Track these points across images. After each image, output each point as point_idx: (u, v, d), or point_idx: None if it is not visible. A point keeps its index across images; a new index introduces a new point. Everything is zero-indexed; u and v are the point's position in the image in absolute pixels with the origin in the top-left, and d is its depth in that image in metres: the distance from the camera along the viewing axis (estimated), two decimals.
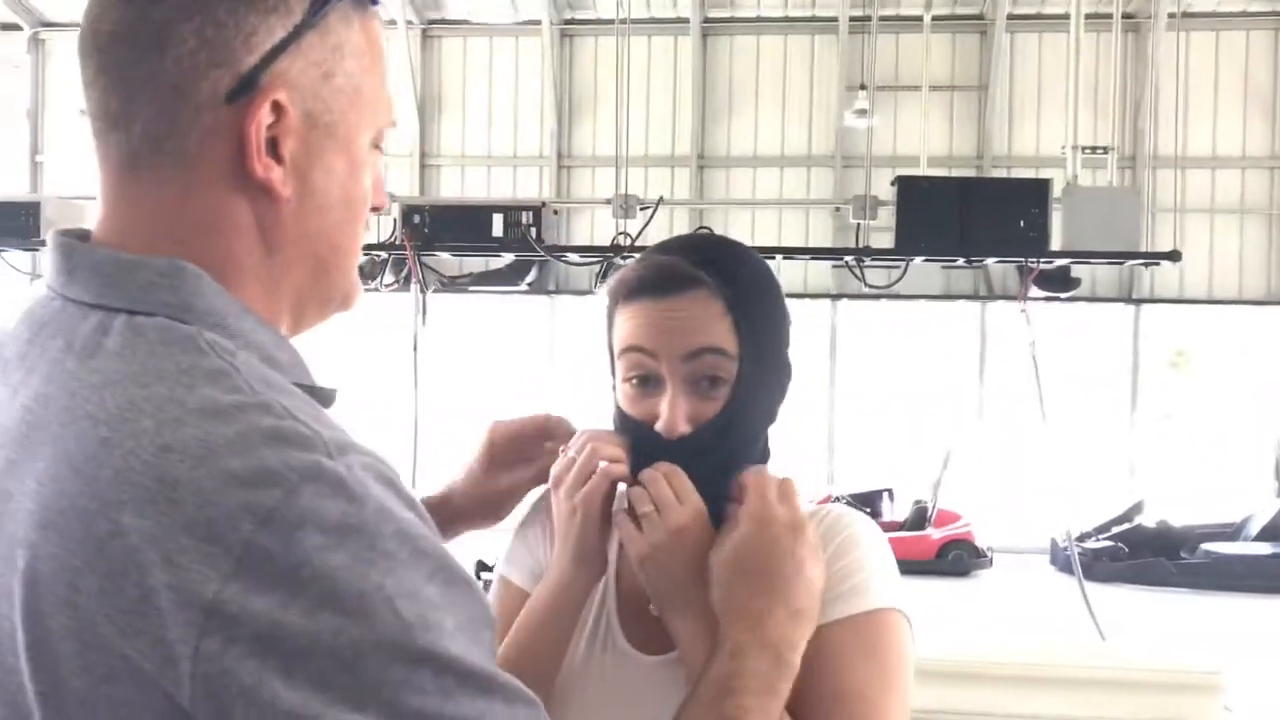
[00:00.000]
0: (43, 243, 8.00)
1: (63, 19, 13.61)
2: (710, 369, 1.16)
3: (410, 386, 7.05)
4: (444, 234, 7.00)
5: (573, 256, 7.60)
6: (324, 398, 0.88)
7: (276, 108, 0.83)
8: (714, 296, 1.16)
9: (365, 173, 0.92)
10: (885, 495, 12.70)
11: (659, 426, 1.15)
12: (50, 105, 13.82)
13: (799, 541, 1.09)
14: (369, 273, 7.90)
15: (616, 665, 1.20)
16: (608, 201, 7.61)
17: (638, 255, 1.24)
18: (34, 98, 13.86)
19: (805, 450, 12.89)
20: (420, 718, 0.73)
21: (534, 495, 1.32)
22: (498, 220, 6.99)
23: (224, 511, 0.71)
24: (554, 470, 1.18)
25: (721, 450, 1.16)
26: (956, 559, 11.63)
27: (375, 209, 0.96)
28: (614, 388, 1.22)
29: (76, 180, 13.36)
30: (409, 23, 12.85)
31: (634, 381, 1.18)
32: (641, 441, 1.16)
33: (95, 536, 0.73)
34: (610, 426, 1.22)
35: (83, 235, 0.88)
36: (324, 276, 0.91)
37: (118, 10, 0.83)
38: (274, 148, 0.84)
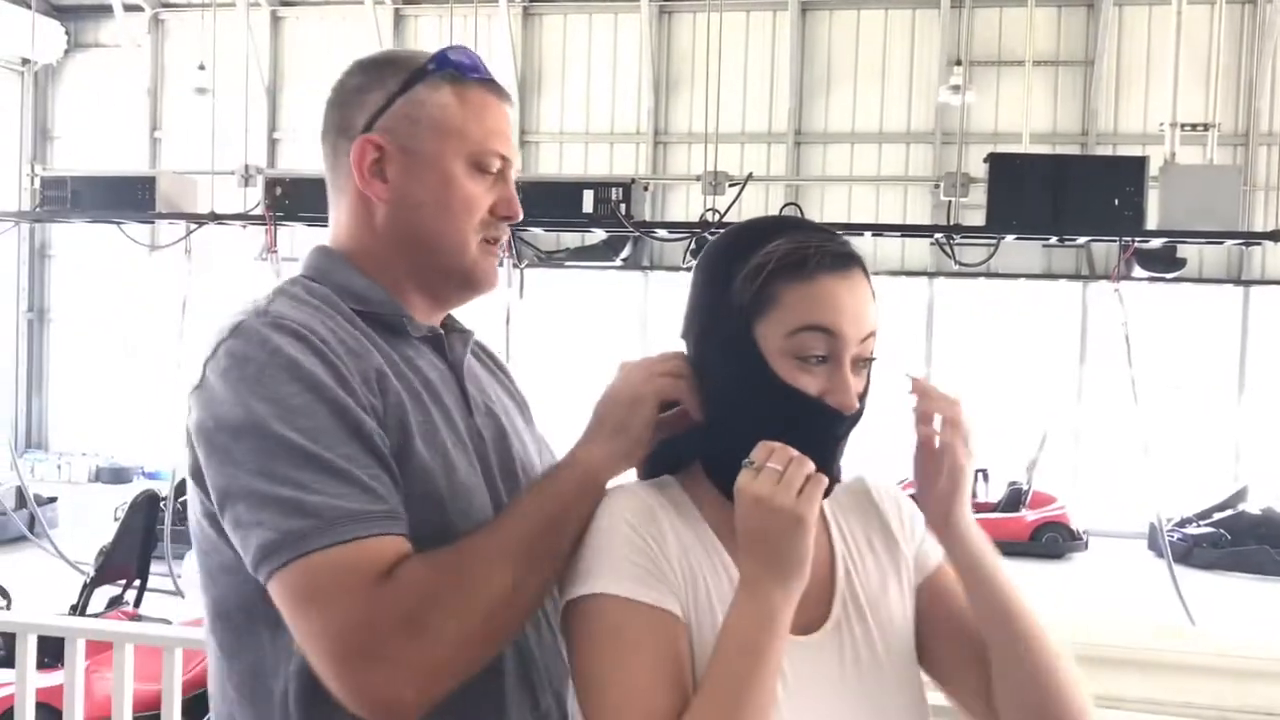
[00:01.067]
0: (160, 215, 8.33)
1: (181, 1, 14.13)
2: (870, 350, 1.20)
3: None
4: (536, 210, 7.12)
5: (661, 232, 7.69)
6: (389, 323, 1.31)
7: (377, 146, 1.30)
8: (867, 278, 1.21)
9: (458, 183, 1.32)
10: (979, 476, 12.57)
11: (835, 403, 1.17)
12: (168, 84, 14.36)
13: None
14: None
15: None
16: (698, 178, 7.66)
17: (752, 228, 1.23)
18: (153, 77, 14.42)
19: (901, 430, 12.82)
20: (273, 475, 1.12)
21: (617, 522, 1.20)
22: (588, 197, 7.10)
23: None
24: (757, 488, 1.10)
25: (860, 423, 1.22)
26: (1050, 541, 11.49)
27: (506, 218, 1.36)
28: (758, 359, 1.18)
29: (192, 155, 13.88)
30: (510, 1, 13.03)
31: (808, 359, 1.16)
32: (818, 419, 1.17)
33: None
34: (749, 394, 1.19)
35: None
36: (433, 256, 1.33)
37: (325, 113, 1.38)
38: (382, 171, 1.31)
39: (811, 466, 1.11)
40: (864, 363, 1.20)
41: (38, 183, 8.69)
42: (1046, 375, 13.05)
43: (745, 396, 1.19)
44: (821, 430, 1.17)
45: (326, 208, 1.39)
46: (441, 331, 1.38)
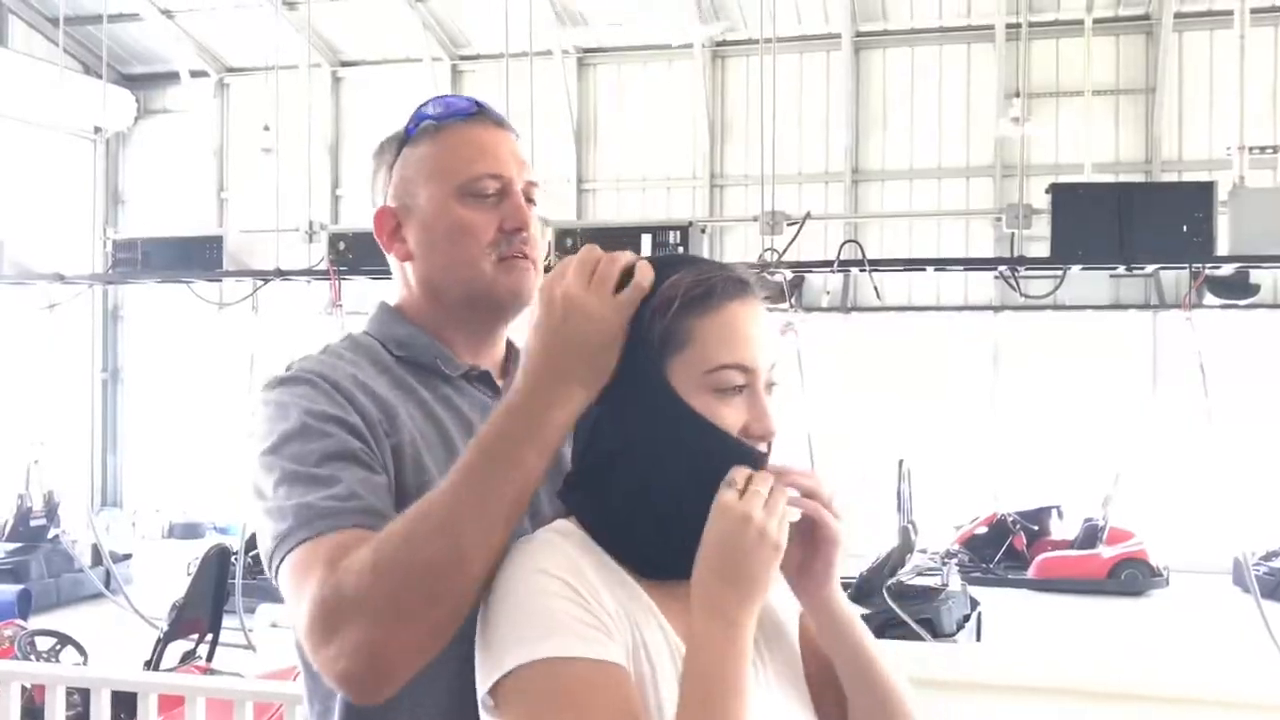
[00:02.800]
0: (227, 273, 8.48)
1: (245, 64, 14.49)
2: (774, 375, 1.20)
3: None
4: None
5: None
6: (426, 366, 1.40)
7: (392, 214, 1.45)
8: (762, 306, 1.21)
9: (454, 216, 1.40)
10: (1054, 512, 12.30)
11: (759, 430, 1.16)
12: (234, 145, 14.70)
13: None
14: None
15: None
16: (754, 219, 7.65)
17: (697, 267, 1.20)
18: (219, 139, 14.77)
19: (970, 466, 12.61)
20: (268, 496, 1.24)
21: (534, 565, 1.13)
22: (646, 241, 7.11)
23: None
24: (745, 506, 1.10)
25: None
26: (1129, 578, 11.18)
27: (516, 230, 1.39)
28: (676, 398, 1.15)
29: (258, 214, 14.16)
30: (564, 52, 13.18)
31: (728, 391, 1.16)
32: (750, 457, 1.16)
33: None
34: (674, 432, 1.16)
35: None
36: (454, 289, 1.41)
37: None
38: (402, 234, 1.44)
39: (789, 497, 1.12)
40: (770, 386, 1.20)
41: (109, 246, 8.92)
42: (1121, 407, 12.77)
43: (665, 438, 1.15)
44: (756, 464, 1.16)
45: (388, 261, 1.51)
46: (485, 368, 1.45)
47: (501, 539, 1.13)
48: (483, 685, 1.09)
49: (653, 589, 1.17)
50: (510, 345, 1.50)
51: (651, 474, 1.17)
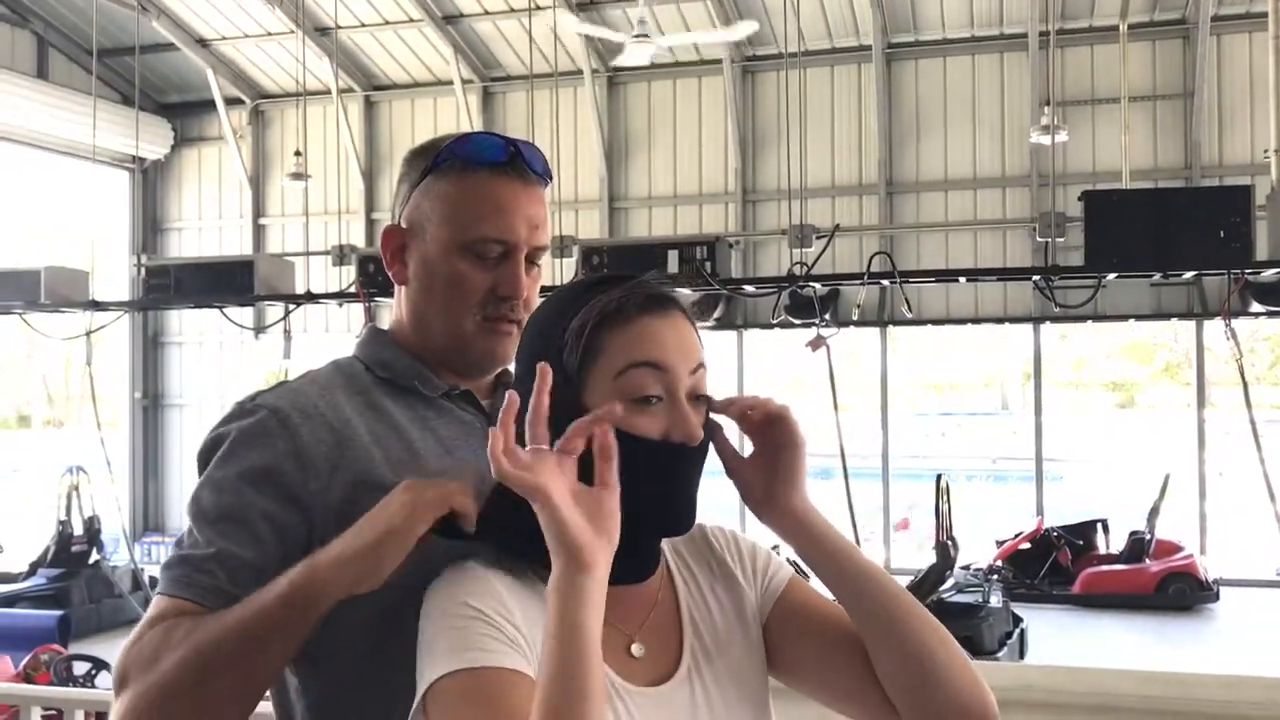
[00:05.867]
0: (257, 298, 8.48)
1: (278, 91, 14.64)
2: (702, 383, 1.20)
3: None
4: (621, 272, 7.13)
5: (748, 289, 7.60)
6: (405, 387, 1.42)
7: (401, 233, 1.45)
8: (688, 318, 1.22)
9: (451, 268, 1.40)
10: (1099, 526, 12.08)
11: (680, 437, 1.16)
12: (270, 172, 14.84)
13: None
14: None
15: (637, 706, 1.16)
16: (783, 232, 7.59)
17: (626, 282, 1.20)
18: (255, 165, 14.92)
19: (1016, 480, 12.42)
20: (193, 515, 1.31)
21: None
22: (673, 256, 7.09)
23: None
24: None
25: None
26: (1177, 592, 10.93)
27: (506, 298, 1.40)
28: (580, 410, 1.14)
29: (295, 239, 14.30)
30: (594, 71, 13.19)
31: (643, 400, 1.15)
32: (662, 459, 1.16)
33: None
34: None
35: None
36: (434, 334, 1.43)
37: None
38: (404, 257, 1.45)
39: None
40: (700, 399, 1.19)
41: (143, 272, 9.01)
42: (1166, 418, 12.55)
43: (585, 458, 1.12)
44: (671, 470, 1.17)
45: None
46: (464, 388, 1.46)
47: (247, 683, 1.22)
48: (416, 698, 1.12)
49: None
50: (503, 369, 1.50)
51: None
